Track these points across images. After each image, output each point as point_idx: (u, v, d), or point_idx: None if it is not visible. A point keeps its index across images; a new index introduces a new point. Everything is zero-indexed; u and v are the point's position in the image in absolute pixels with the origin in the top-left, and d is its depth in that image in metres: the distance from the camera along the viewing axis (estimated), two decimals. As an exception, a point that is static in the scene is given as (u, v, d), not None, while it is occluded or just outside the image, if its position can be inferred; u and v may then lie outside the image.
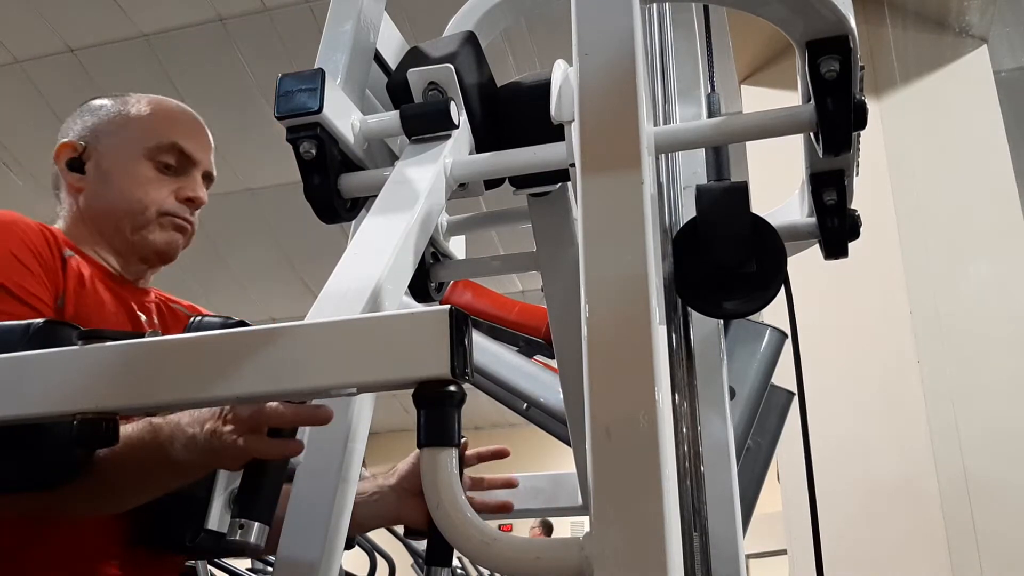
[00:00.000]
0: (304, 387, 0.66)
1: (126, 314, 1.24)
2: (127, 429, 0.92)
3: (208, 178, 1.34)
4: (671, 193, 1.22)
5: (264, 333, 0.66)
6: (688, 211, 1.17)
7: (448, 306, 0.63)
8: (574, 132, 0.76)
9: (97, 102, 1.35)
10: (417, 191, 0.92)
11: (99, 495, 1.00)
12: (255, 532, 0.88)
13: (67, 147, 1.30)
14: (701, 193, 1.10)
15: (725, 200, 1.08)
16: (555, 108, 0.88)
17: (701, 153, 1.24)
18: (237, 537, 0.88)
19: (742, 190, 1.09)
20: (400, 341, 0.64)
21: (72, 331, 0.80)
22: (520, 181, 1.07)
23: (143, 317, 1.27)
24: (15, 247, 1.12)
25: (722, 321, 1.26)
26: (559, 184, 1.10)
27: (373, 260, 0.83)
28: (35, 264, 1.13)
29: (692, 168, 1.26)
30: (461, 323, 0.63)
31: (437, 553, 1.28)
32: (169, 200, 1.27)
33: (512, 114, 1.08)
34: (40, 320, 0.86)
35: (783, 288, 1.11)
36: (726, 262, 1.07)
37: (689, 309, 1.18)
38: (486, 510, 1.36)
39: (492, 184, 1.06)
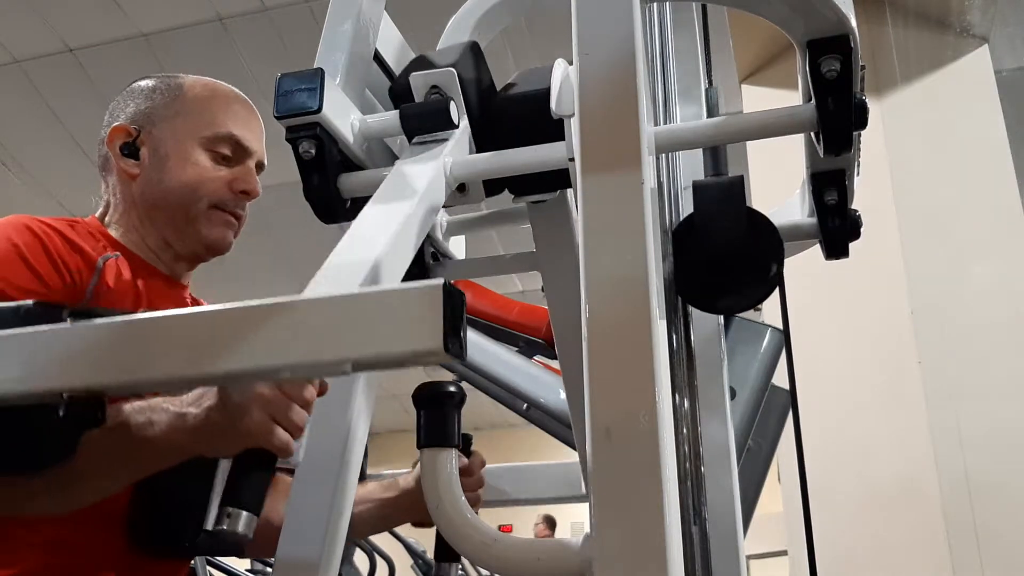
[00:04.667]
0: (297, 361, 0.62)
1: None
2: (111, 411, 0.90)
3: (260, 167, 1.32)
4: (671, 193, 1.21)
5: (256, 309, 0.62)
6: (688, 211, 1.16)
7: (441, 280, 0.59)
8: (574, 129, 0.76)
9: (149, 83, 1.31)
10: (416, 187, 0.91)
11: (73, 483, 0.96)
12: (243, 521, 0.86)
13: (120, 131, 1.27)
14: (697, 188, 1.10)
15: (721, 194, 1.08)
16: (555, 103, 0.87)
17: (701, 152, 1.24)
18: (225, 526, 0.86)
19: (738, 184, 1.08)
20: (393, 315, 0.60)
21: (63, 310, 0.78)
22: (519, 188, 1.06)
23: None
24: (26, 241, 1.08)
25: (722, 321, 1.25)
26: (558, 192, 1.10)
27: (371, 243, 0.79)
28: (44, 262, 1.08)
29: (693, 167, 1.26)
30: (456, 299, 0.59)
31: (446, 548, 1.25)
32: (223, 191, 1.25)
33: (511, 119, 1.07)
34: (30, 301, 0.84)
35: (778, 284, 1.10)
36: (723, 256, 1.06)
37: (689, 309, 1.17)
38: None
39: (491, 190, 1.05)
